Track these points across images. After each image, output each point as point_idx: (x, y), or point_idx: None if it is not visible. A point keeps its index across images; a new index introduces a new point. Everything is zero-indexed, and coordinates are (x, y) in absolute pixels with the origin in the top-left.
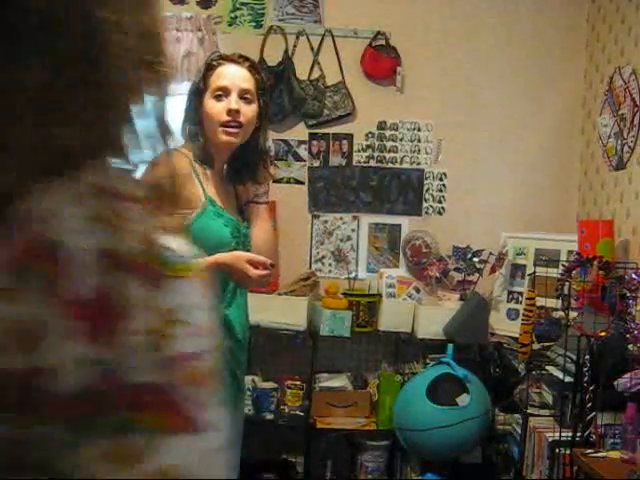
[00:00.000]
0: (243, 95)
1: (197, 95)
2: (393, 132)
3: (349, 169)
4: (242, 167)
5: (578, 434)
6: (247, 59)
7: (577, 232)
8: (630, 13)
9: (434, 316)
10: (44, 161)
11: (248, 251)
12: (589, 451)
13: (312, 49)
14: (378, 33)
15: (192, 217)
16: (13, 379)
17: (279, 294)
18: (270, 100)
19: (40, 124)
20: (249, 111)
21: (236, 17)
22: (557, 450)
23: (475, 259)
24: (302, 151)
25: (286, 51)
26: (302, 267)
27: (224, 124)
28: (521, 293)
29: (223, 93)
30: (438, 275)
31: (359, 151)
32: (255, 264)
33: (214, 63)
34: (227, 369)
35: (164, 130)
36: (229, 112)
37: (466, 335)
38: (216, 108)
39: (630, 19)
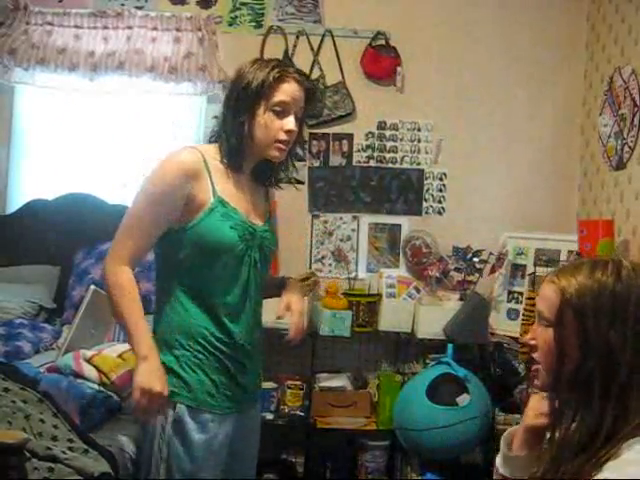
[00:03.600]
0: (297, 114)
1: (251, 103)
2: (393, 132)
3: (349, 169)
4: (269, 170)
5: None
6: (307, 78)
7: (577, 232)
8: (630, 13)
9: (434, 316)
10: None
11: (265, 253)
12: None
13: (312, 49)
14: (378, 33)
15: (198, 217)
16: None
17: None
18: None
19: None
20: (296, 128)
21: (236, 17)
22: None
23: (475, 259)
24: (302, 151)
25: (286, 51)
26: (302, 267)
27: (279, 141)
28: (521, 293)
29: (282, 109)
30: (438, 275)
31: (359, 151)
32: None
33: (277, 76)
34: (227, 375)
35: None
36: (287, 132)
37: (466, 335)
38: (275, 124)
39: (630, 19)
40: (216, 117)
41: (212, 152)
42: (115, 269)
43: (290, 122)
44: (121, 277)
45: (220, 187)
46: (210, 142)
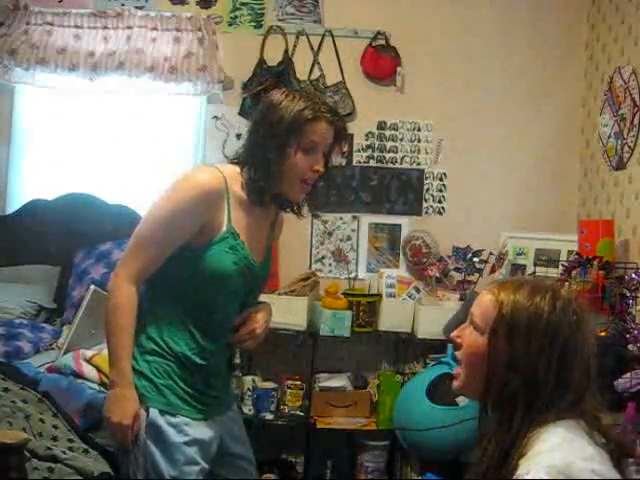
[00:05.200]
0: (325, 151)
1: (283, 140)
2: (393, 132)
3: (349, 169)
4: (287, 202)
5: None
6: (339, 116)
7: (577, 232)
8: (630, 13)
9: (434, 316)
10: None
11: (258, 288)
12: None
13: (312, 49)
14: (378, 33)
15: (206, 242)
16: None
17: (279, 294)
18: None
19: None
20: (323, 169)
21: (236, 17)
22: None
23: (475, 259)
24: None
25: (286, 51)
26: (302, 267)
27: (304, 180)
28: None
29: (312, 148)
30: (438, 275)
31: (359, 151)
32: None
33: (312, 116)
34: (196, 388)
35: None
36: (315, 171)
37: None
38: (305, 163)
39: (630, 19)
40: (216, 117)
41: (235, 176)
42: (120, 286)
43: (319, 162)
44: (122, 297)
45: (235, 216)
46: (232, 162)
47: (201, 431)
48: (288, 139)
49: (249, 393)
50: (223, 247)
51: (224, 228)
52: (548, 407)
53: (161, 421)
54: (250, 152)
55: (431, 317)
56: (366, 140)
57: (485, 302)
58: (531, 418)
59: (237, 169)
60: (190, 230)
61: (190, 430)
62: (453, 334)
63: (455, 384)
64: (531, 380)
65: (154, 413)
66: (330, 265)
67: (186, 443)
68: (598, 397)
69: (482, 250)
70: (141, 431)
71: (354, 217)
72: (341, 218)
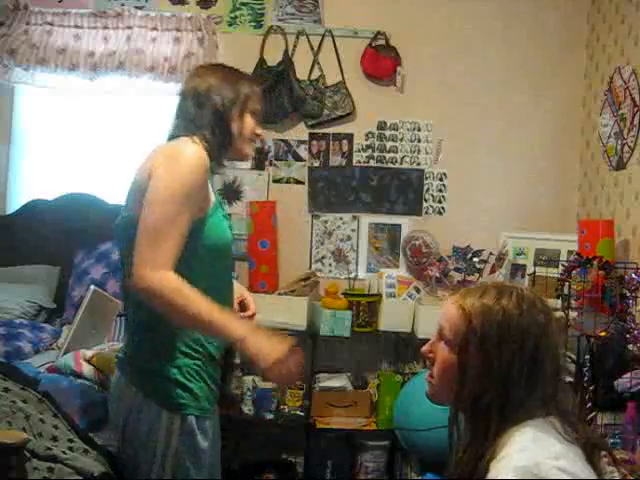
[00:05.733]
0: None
1: (236, 109)
2: (393, 132)
3: (349, 169)
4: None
5: None
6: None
7: (577, 232)
8: (630, 13)
9: (434, 316)
10: None
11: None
12: None
13: (312, 49)
14: (378, 33)
15: (205, 213)
16: None
17: (279, 294)
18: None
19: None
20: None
21: (236, 17)
22: None
23: (475, 259)
24: (302, 151)
25: (286, 51)
26: (302, 267)
27: (253, 140)
28: None
29: (256, 113)
30: (438, 275)
31: (359, 151)
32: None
33: (254, 87)
34: (216, 380)
35: None
36: (257, 135)
37: None
38: (252, 125)
39: (630, 19)
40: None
41: None
42: (159, 275)
43: (259, 126)
44: (171, 281)
45: (213, 185)
46: (174, 137)
47: (216, 429)
48: (244, 108)
49: (249, 393)
50: (219, 215)
51: (213, 197)
52: (520, 407)
53: (195, 428)
54: (210, 121)
55: (431, 317)
56: (366, 140)
57: (452, 315)
58: (505, 421)
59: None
60: (200, 199)
61: (212, 431)
62: (424, 349)
63: (428, 392)
64: (504, 386)
65: (192, 421)
66: (330, 265)
67: (209, 445)
68: (568, 392)
69: (482, 250)
70: (173, 440)
71: (354, 217)
72: (341, 218)
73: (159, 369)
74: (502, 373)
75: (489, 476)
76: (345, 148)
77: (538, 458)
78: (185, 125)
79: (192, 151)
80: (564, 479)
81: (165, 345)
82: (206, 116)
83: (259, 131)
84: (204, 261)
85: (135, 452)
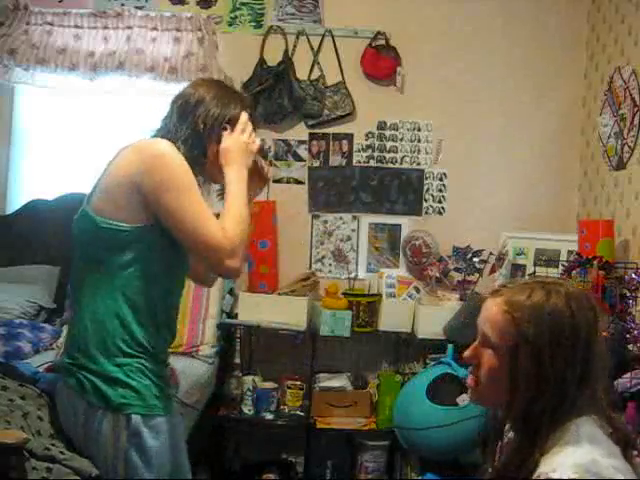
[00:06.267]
0: None
1: (216, 131)
2: (393, 132)
3: (349, 169)
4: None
5: None
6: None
7: (577, 232)
8: (630, 13)
9: (434, 316)
10: None
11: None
12: None
13: (312, 49)
14: (378, 33)
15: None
16: None
17: (279, 294)
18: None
19: None
20: None
21: (236, 17)
22: None
23: (475, 259)
24: (302, 151)
25: (286, 51)
26: (302, 267)
27: None
28: None
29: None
30: (438, 275)
31: (359, 151)
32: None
33: (244, 115)
34: (163, 379)
35: None
36: None
37: (466, 335)
38: None
39: (630, 19)
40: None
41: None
42: (227, 243)
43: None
44: (228, 232)
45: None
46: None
47: (172, 427)
48: (218, 129)
49: (249, 393)
50: None
51: None
52: (572, 406)
53: (142, 427)
54: (187, 134)
55: (431, 317)
56: (366, 140)
57: (498, 320)
58: (556, 421)
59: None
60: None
61: (165, 429)
62: (467, 355)
63: (472, 396)
64: (559, 388)
65: (137, 420)
66: (330, 265)
67: (162, 444)
68: (608, 389)
69: (482, 250)
70: (120, 441)
71: (354, 217)
72: (341, 218)
73: (100, 369)
74: (556, 376)
75: (542, 469)
76: (345, 148)
77: (594, 456)
78: (167, 130)
79: (166, 147)
80: (620, 478)
81: (105, 345)
82: (185, 127)
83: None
84: (163, 263)
85: (89, 456)
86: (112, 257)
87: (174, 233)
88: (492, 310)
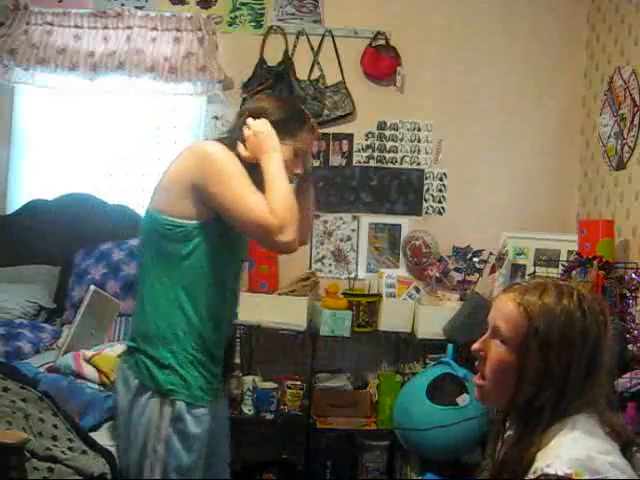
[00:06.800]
0: (305, 156)
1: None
2: (393, 132)
3: (349, 169)
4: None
5: None
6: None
7: (577, 232)
8: (630, 13)
9: (434, 316)
10: None
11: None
12: None
13: (312, 49)
14: (378, 33)
15: None
16: None
17: (279, 294)
18: None
19: None
20: (302, 171)
21: (236, 17)
22: None
23: (475, 259)
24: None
25: (286, 51)
26: (302, 267)
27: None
28: None
29: (298, 154)
30: (438, 275)
31: (359, 151)
32: None
33: (306, 128)
34: (212, 370)
35: None
36: (296, 174)
37: (466, 335)
38: (292, 163)
39: (630, 19)
40: (216, 117)
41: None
42: (276, 221)
43: (299, 166)
44: (276, 211)
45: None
46: (219, 140)
47: (212, 418)
48: (286, 140)
49: (249, 393)
50: None
51: None
52: (572, 404)
53: (186, 414)
54: (237, 133)
55: (431, 317)
56: (366, 140)
57: (511, 312)
58: (555, 416)
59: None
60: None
61: (207, 419)
62: (475, 347)
63: (479, 395)
64: (562, 386)
65: (181, 406)
66: (330, 265)
67: (204, 433)
68: (610, 394)
69: (482, 250)
70: (164, 423)
71: (354, 217)
72: (341, 218)
73: (155, 354)
74: (561, 373)
75: (538, 464)
76: (345, 148)
77: (591, 452)
78: (226, 137)
79: (215, 146)
80: (617, 475)
81: (163, 332)
82: (237, 133)
83: (299, 170)
84: (216, 258)
85: (131, 436)
86: (173, 252)
87: (227, 220)
88: (506, 303)
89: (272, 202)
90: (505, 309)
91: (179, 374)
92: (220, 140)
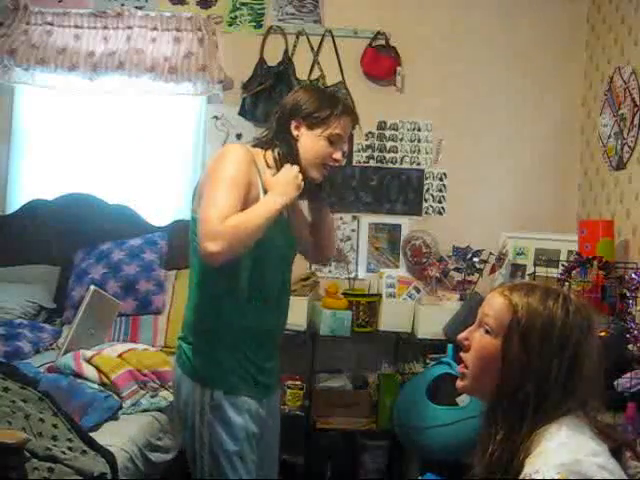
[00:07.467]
0: (345, 144)
1: (311, 128)
2: (393, 132)
3: (349, 169)
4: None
5: None
6: (357, 115)
7: (577, 232)
8: (630, 13)
9: (434, 316)
10: None
11: (287, 262)
12: None
13: (312, 49)
14: (378, 33)
15: (251, 202)
16: None
17: None
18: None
19: None
20: (342, 159)
21: (236, 17)
22: None
23: (475, 259)
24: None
25: (286, 51)
26: (302, 267)
27: (324, 165)
28: None
29: (335, 140)
30: (438, 275)
31: (359, 151)
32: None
33: (339, 112)
34: (256, 362)
35: None
36: (335, 160)
37: None
38: (327, 151)
39: (630, 19)
40: (216, 117)
41: (257, 153)
42: (218, 228)
43: (340, 154)
44: (226, 223)
45: (265, 187)
46: (254, 146)
47: (257, 412)
48: (317, 128)
49: None
50: None
51: (261, 194)
52: (556, 408)
53: (224, 401)
54: (278, 133)
55: (431, 317)
56: (366, 140)
57: (498, 305)
58: (539, 418)
59: (259, 151)
60: (246, 188)
61: (249, 411)
62: (461, 336)
63: (460, 384)
64: (543, 384)
65: (219, 395)
66: (330, 265)
67: (246, 422)
68: (602, 398)
69: (482, 250)
70: (206, 412)
71: (354, 217)
72: (341, 218)
73: (195, 343)
74: (541, 369)
75: (526, 471)
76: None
77: (578, 455)
78: (267, 131)
79: (233, 145)
80: (605, 476)
81: (204, 324)
82: (279, 124)
83: (337, 156)
84: (250, 252)
85: (183, 421)
86: None
87: None
88: (494, 295)
89: (234, 218)
90: (492, 299)
91: (217, 362)
92: (258, 139)
